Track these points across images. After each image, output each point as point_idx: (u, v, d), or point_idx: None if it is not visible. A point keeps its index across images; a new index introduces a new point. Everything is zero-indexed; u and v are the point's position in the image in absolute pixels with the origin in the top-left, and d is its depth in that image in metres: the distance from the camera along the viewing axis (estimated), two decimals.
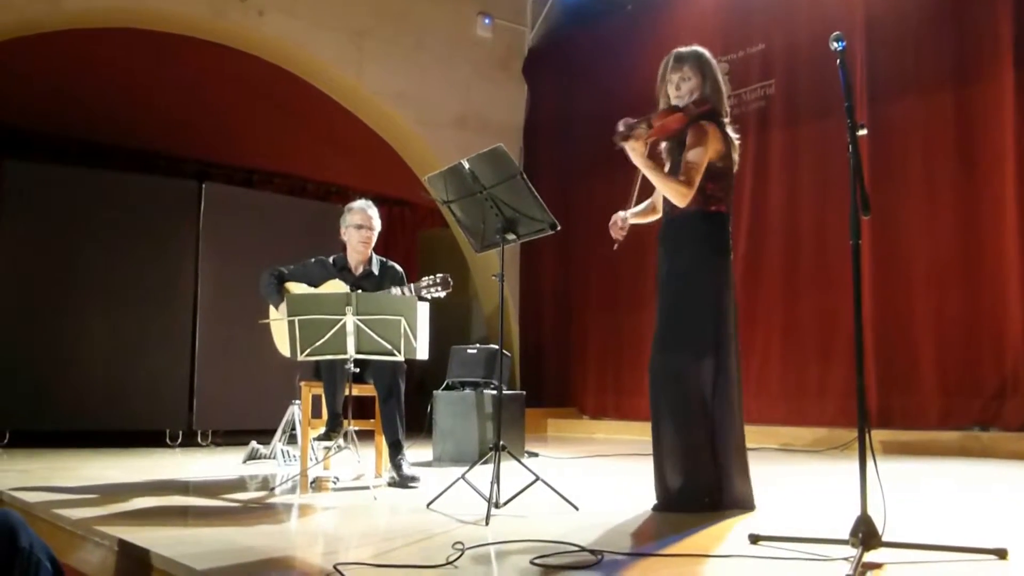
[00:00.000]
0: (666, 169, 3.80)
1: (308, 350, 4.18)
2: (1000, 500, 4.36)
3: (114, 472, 5.35)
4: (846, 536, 2.64)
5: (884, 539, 2.62)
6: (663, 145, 3.86)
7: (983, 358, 6.75)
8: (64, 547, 3.23)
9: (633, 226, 4.01)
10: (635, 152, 3.63)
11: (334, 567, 2.42)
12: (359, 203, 5.14)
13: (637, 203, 4.00)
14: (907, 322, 7.15)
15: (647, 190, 3.90)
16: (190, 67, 9.19)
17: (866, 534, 2.60)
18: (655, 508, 3.68)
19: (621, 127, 3.62)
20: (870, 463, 2.67)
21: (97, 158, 8.77)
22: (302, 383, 5.10)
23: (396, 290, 4.83)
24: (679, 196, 3.65)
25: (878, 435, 6.48)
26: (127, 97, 8.90)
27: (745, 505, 3.65)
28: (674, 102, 3.78)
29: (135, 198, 7.85)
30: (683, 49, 3.82)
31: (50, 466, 5.68)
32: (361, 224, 5.05)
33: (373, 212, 5.11)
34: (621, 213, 3.92)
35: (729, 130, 3.78)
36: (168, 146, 9.46)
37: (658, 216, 4.02)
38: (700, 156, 3.64)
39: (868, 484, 2.67)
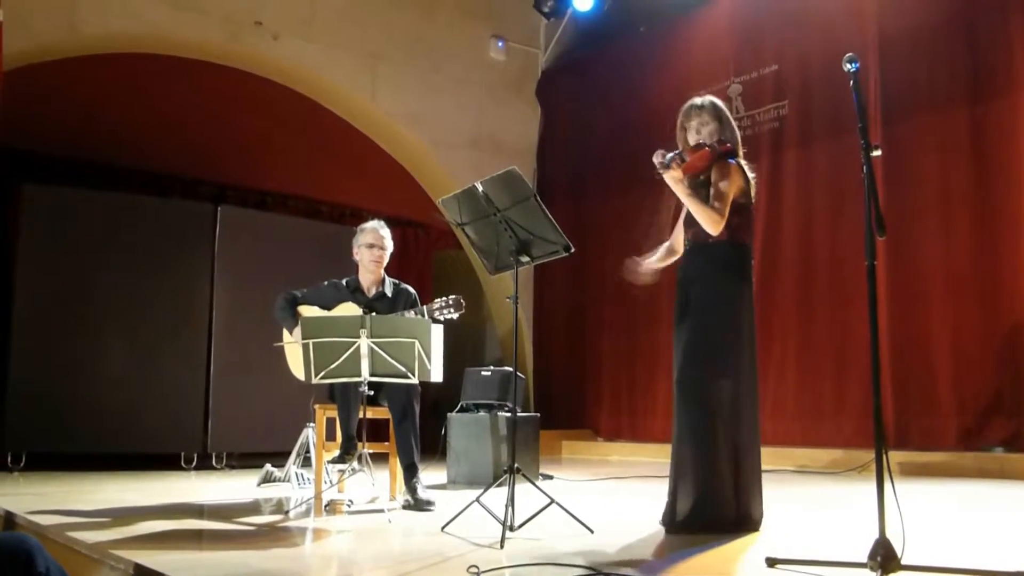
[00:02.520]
0: None
1: (322, 373, 4.18)
2: (1020, 522, 4.31)
3: (129, 495, 5.36)
4: (864, 559, 2.62)
5: (903, 562, 2.59)
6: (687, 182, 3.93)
7: (1001, 377, 6.69)
8: (80, 571, 3.23)
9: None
10: (676, 181, 3.79)
11: None
12: (371, 223, 5.18)
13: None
14: (924, 342, 7.11)
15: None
16: (205, 91, 9.26)
17: (885, 557, 2.58)
18: (667, 529, 3.67)
19: (661, 158, 3.78)
20: (888, 485, 2.65)
21: (114, 181, 8.83)
22: (316, 406, 5.10)
23: (410, 312, 4.84)
24: (713, 224, 3.76)
25: (895, 456, 6.44)
26: (143, 121, 8.97)
27: (753, 526, 3.66)
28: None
29: (151, 221, 7.90)
30: (698, 99, 4.03)
31: (66, 489, 5.69)
32: (373, 244, 5.07)
33: (385, 232, 5.13)
34: (636, 263, 4.12)
35: (746, 168, 3.93)
36: (184, 169, 9.52)
37: (677, 257, 4.13)
38: (728, 189, 3.79)
39: (886, 506, 2.65)
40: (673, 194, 3.88)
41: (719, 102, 4.04)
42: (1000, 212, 6.81)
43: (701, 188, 3.86)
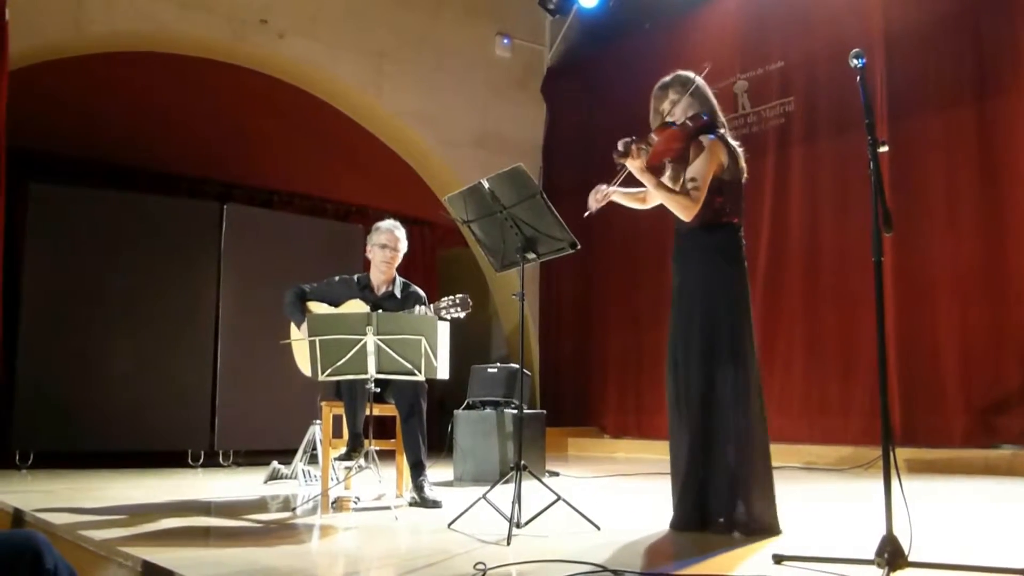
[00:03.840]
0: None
1: (329, 370, 4.18)
2: None
3: (137, 492, 5.37)
4: (871, 556, 2.61)
5: (910, 559, 2.59)
6: (669, 167, 3.81)
7: (1009, 374, 6.68)
8: (88, 568, 3.24)
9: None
10: (635, 167, 3.64)
11: None
12: (387, 223, 5.16)
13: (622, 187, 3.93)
14: (931, 339, 7.09)
15: (631, 182, 3.84)
16: (211, 90, 9.28)
17: (892, 554, 2.58)
18: (672, 527, 3.63)
19: (620, 146, 3.63)
20: (895, 482, 2.65)
21: (120, 180, 8.86)
22: (323, 403, 5.11)
23: (419, 309, 4.84)
24: (683, 210, 3.64)
25: (902, 453, 6.42)
26: (150, 120, 9.00)
27: (770, 529, 3.51)
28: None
29: (158, 219, 7.91)
30: (666, 77, 3.85)
31: (74, 487, 5.71)
32: (386, 244, 5.07)
33: (400, 234, 5.13)
34: (604, 186, 3.87)
35: (730, 140, 3.75)
36: (190, 168, 9.54)
37: (647, 206, 4.00)
38: (702, 170, 3.62)
39: (893, 503, 2.64)
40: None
41: (689, 74, 3.80)
42: (1008, 208, 6.79)
43: (681, 169, 3.72)
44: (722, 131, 3.75)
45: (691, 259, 3.76)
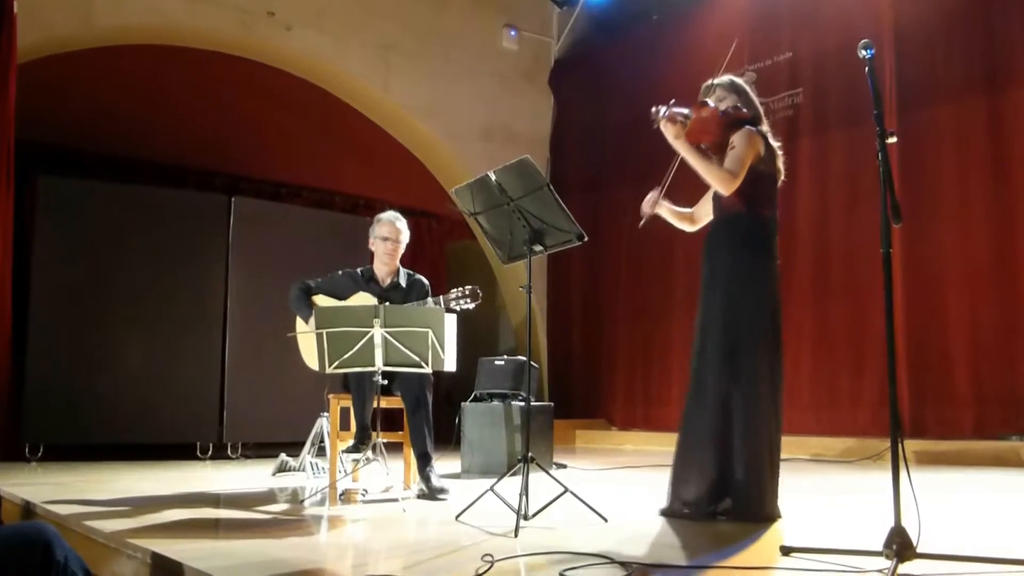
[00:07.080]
0: None
1: (336, 363, 4.18)
2: None
3: (146, 484, 5.39)
4: (880, 548, 2.61)
5: (919, 550, 2.59)
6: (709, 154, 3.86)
7: (1018, 366, 6.66)
8: (98, 560, 3.26)
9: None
10: (670, 134, 3.69)
11: None
12: (388, 215, 5.17)
13: (667, 194, 3.99)
14: (940, 330, 7.07)
15: (683, 186, 3.90)
16: (219, 82, 9.28)
17: (900, 545, 2.57)
18: (662, 513, 3.72)
19: (660, 109, 3.66)
20: (903, 473, 2.64)
21: (129, 173, 8.86)
22: (330, 396, 5.12)
23: (428, 302, 4.85)
24: (722, 183, 3.67)
25: (911, 445, 6.42)
26: (158, 113, 9.01)
27: (769, 518, 3.60)
28: None
29: (166, 212, 7.92)
30: (717, 78, 3.93)
31: (83, 479, 5.73)
32: (387, 236, 5.07)
33: (401, 224, 5.13)
34: (655, 192, 3.95)
35: (771, 138, 3.82)
36: (198, 161, 9.56)
37: (694, 228, 4.08)
38: (744, 152, 3.68)
39: (902, 495, 2.64)
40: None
41: (738, 79, 3.94)
42: (1018, 200, 6.77)
43: (717, 155, 3.77)
44: (764, 128, 3.82)
45: (720, 248, 3.81)
